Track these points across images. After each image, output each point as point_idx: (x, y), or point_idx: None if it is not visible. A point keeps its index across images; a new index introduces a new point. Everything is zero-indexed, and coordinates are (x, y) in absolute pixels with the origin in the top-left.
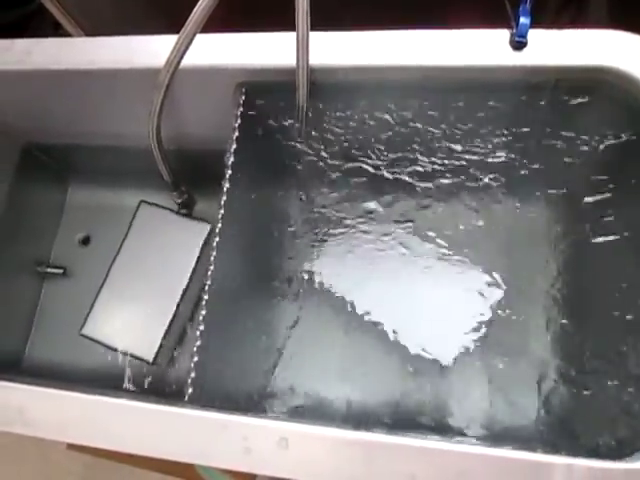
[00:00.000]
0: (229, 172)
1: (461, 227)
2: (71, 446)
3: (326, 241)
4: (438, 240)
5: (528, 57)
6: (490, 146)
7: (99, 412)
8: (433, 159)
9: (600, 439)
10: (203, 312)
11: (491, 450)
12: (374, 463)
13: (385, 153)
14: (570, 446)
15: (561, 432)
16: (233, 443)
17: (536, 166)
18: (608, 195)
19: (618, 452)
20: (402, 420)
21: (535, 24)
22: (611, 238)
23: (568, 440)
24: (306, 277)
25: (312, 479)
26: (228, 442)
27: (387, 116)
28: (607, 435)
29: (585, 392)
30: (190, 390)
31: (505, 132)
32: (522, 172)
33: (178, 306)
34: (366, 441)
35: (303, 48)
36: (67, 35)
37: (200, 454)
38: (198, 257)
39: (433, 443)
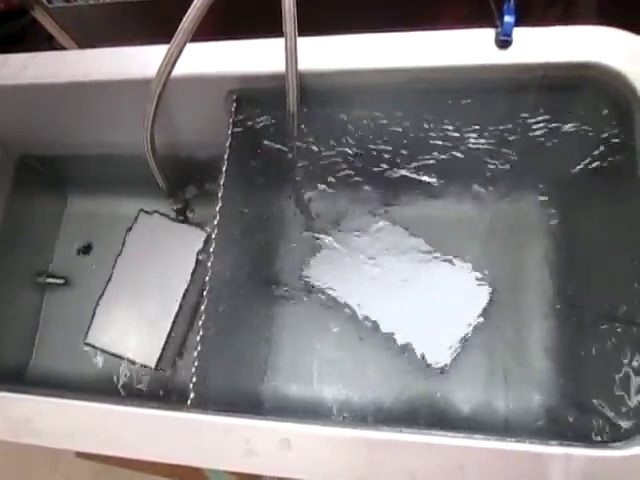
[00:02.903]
0: (223, 179)
1: (451, 225)
2: (80, 454)
3: (321, 245)
4: (431, 240)
5: (514, 55)
6: (479, 145)
7: (104, 420)
8: (425, 160)
9: (596, 425)
10: (202, 317)
11: (489, 443)
12: (375, 460)
13: (377, 155)
14: (568, 434)
15: (558, 422)
16: (236, 445)
17: (525, 162)
18: (597, 188)
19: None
20: (401, 417)
21: (521, 22)
22: (600, 229)
23: (565, 429)
24: (303, 281)
25: (315, 478)
26: (231, 445)
27: (378, 118)
28: (603, 421)
29: (583, 382)
30: (192, 395)
31: (493, 130)
32: (511, 169)
33: (178, 312)
34: (366, 439)
35: (292, 54)
36: (61, 46)
37: (204, 457)
38: (196, 263)
39: (432, 438)
